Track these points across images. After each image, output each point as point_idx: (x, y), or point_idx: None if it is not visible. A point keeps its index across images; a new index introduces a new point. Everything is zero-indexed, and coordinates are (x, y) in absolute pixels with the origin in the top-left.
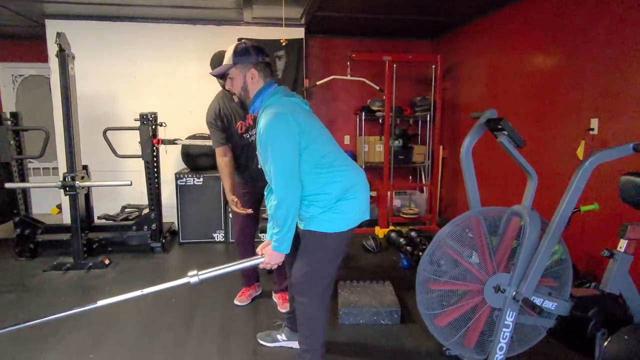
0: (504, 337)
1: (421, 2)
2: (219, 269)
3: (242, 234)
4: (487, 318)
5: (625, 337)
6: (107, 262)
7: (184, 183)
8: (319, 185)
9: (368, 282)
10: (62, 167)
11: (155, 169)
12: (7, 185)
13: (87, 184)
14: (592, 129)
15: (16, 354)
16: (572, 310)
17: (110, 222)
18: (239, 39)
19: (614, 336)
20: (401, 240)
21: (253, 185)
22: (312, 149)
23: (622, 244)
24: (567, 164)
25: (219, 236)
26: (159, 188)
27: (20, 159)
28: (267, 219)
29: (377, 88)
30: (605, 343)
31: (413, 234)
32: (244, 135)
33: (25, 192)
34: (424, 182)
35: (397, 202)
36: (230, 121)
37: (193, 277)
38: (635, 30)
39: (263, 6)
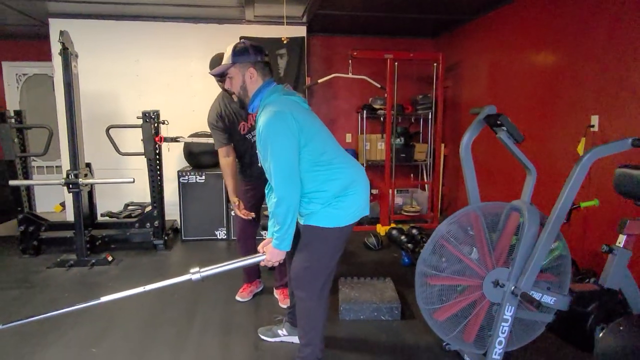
0: (503, 331)
1: (422, 0)
2: (221, 266)
3: (243, 231)
4: (486, 313)
5: (621, 327)
6: (110, 259)
7: (186, 181)
8: (318, 182)
9: (369, 278)
10: (66, 165)
11: (158, 167)
12: (11, 182)
13: (90, 181)
14: (593, 126)
15: (19, 349)
16: (571, 305)
17: (113, 219)
18: (241, 38)
19: (609, 326)
20: (402, 237)
21: (256, 182)
22: (311, 146)
23: (621, 239)
24: (567, 161)
25: (221, 234)
26: (161, 185)
27: (24, 157)
28: (268, 217)
29: (379, 86)
30: (601, 334)
31: (414, 231)
32: (247, 136)
33: (29, 189)
34: (425, 180)
35: (398, 200)
36: (233, 122)
37: (195, 274)
38: (635, 27)
39: (265, 4)
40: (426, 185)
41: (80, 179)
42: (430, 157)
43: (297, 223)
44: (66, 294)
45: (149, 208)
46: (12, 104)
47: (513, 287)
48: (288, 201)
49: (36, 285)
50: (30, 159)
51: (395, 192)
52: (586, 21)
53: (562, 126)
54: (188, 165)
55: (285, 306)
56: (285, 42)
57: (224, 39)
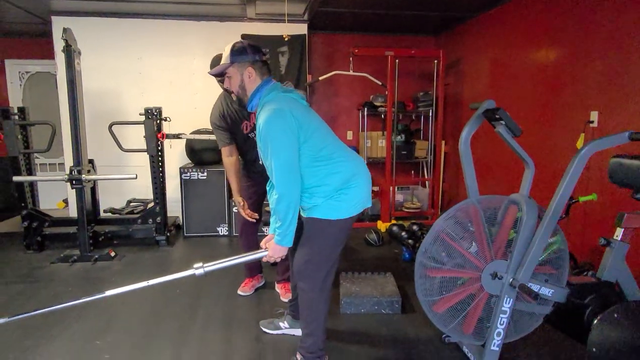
0: (502, 323)
1: None
2: (224, 262)
3: (245, 226)
4: (484, 305)
5: (615, 315)
6: (113, 254)
7: (188, 177)
8: (319, 177)
9: (370, 273)
10: (68, 163)
11: (160, 163)
12: (15, 178)
13: (93, 177)
14: (592, 122)
15: (24, 342)
16: (569, 298)
17: (116, 215)
18: (242, 35)
19: (604, 314)
20: (403, 233)
21: (258, 179)
22: (311, 142)
23: (619, 233)
24: (567, 157)
25: (222, 230)
26: (163, 182)
27: (27, 153)
28: (269, 212)
29: (380, 83)
30: (596, 321)
31: (415, 227)
32: (249, 135)
33: (32, 186)
34: (426, 177)
35: (399, 197)
36: (235, 121)
37: (198, 269)
38: (635, 24)
39: (266, 2)
40: (427, 182)
41: (83, 175)
42: (431, 154)
43: (300, 216)
44: (70, 289)
45: (151, 204)
46: (15, 102)
47: (511, 279)
48: (289, 197)
49: (40, 280)
50: (34, 156)
51: (396, 189)
52: (586, 18)
53: (562, 122)
54: (190, 162)
55: (286, 300)
56: (286, 39)
57: (226, 37)
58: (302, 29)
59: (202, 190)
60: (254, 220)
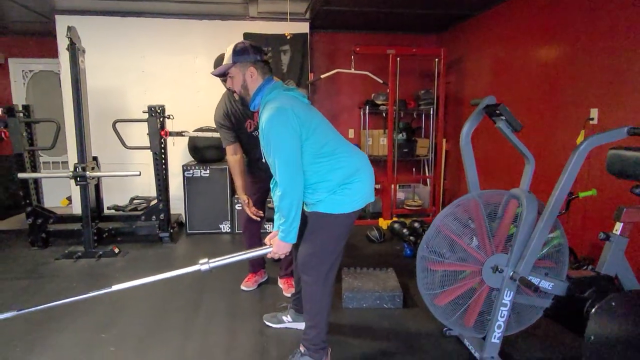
0: (502, 315)
1: None
2: (229, 258)
3: (248, 223)
4: (485, 298)
5: (613, 303)
6: (116, 251)
7: (191, 175)
8: (322, 173)
9: (371, 269)
10: (72, 160)
11: (163, 161)
12: (20, 175)
13: (97, 174)
14: (592, 119)
15: (32, 334)
16: (568, 291)
17: (120, 212)
18: (244, 34)
19: (601, 303)
20: (404, 230)
21: (262, 176)
22: (313, 139)
23: (618, 227)
24: (567, 154)
25: (225, 227)
26: (166, 179)
27: (32, 151)
28: (272, 209)
29: (381, 81)
30: (593, 310)
31: (416, 224)
32: (253, 134)
33: (37, 183)
34: (427, 175)
35: (400, 195)
36: (239, 120)
37: (204, 264)
38: (635, 21)
39: (268, 1)
40: (428, 180)
41: (87, 172)
42: (432, 152)
43: (304, 210)
44: (74, 284)
45: (154, 202)
46: (19, 100)
47: (512, 273)
48: (291, 194)
49: (45, 275)
50: (38, 154)
51: (397, 187)
52: (587, 16)
53: (562, 119)
54: (193, 159)
55: (289, 295)
56: (289, 37)
57: (228, 35)
58: (304, 27)
59: (205, 188)
60: (259, 219)
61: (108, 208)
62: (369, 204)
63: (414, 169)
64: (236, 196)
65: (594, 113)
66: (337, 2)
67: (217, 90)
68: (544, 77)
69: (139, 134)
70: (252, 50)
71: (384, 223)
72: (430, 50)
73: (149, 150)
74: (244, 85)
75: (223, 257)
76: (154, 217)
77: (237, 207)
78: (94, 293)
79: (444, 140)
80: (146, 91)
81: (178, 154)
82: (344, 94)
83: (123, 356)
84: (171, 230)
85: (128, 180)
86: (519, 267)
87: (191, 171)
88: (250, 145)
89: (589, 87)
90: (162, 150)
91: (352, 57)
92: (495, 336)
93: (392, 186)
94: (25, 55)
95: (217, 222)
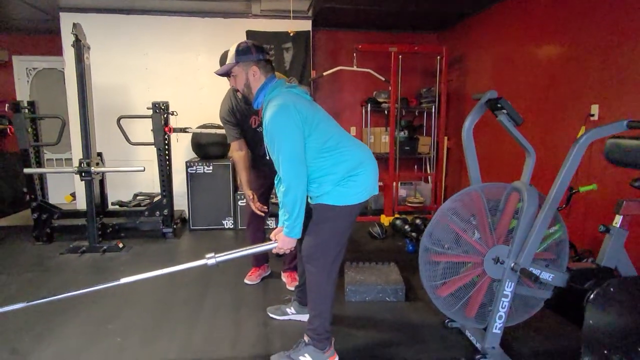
0: (503, 306)
1: None
2: (235, 253)
3: (252, 218)
4: (487, 289)
5: (611, 289)
6: (120, 245)
7: (194, 171)
8: (326, 167)
9: (374, 263)
10: (76, 156)
11: (167, 156)
12: (26, 170)
13: (102, 169)
14: (593, 115)
15: (39, 325)
16: (568, 283)
17: (124, 208)
18: (247, 32)
19: (600, 288)
20: (406, 227)
21: (267, 172)
22: (316, 135)
23: (618, 220)
24: (568, 150)
25: (228, 223)
26: (170, 175)
27: (37, 147)
28: (276, 204)
29: (383, 79)
30: (592, 295)
31: (418, 221)
32: (258, 129)
33: (42, 178)
34: (429, 172)
35: (402, 192)
36: (244, 116)
37: (210, 259)
38: (636, 18)
39: None
40: (429, 178)
41: (92, 168)
42: (433, 150)
43: (308, 203)
44: (80, 278)
45: (157, 198)
46: (22, 98)
47: (513, 264)
48: (295, 190)
49: (50, 269)
50: (42, 151)
51: (399, 184)
52: (588, 13)
53: (563, 116)
54: (196, 156)
55: (292, 288)
56: (292, 34)
57: (230, 33)
58: (306, 25)
59: (208, 184)
60: (263, 214)
61: (112, 204)
62: (371, 202)
63: (415, 167)
64: (239, 192)
65: (595, 109)
66: (339, 0)
67: (219, 87)
68: (545, 74)
69: (142, 131)
70: (255, 49)
71: (385, 220)
72: (431, 48)
73: (153, 146)
74: (247, 84)
75: (229, 252)
76: (157, 212)
77: (240, 203)
78: (103, 286)
79: (446, 138)
80: (149, 88)
81: (181, 150)
82: (346, 91)
83: (130, 346)
84: (174, 226)
85: (132, 176)
86: (519, 259)
87: (194, 167)
88: (255, 141)
89: (590, 83)
90: (166, 146)
91: (354, 54)
92: (497, 326)
93: (394, 184)
94: (29, 53)
95: (220, 218)
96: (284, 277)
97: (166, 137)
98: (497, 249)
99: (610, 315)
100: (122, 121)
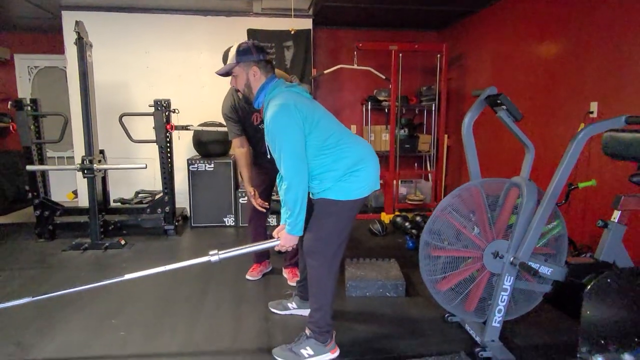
0: (502, 300)
1: None
2: (238, 250)
3: (254, 215)
4: (486, 283)
5: (608, 280)
6: (122, 242)
7: (195, 169)
8: (327, 164)
9: (374, 259)
10: (78, 154)
11: (169, 154)
12: (29, 167)
13: (104, 166)
14: (592, 112)
15: (43, 320)
16: (567, 277)
17: (126, 205)
18: (248, 30)
19: (597, 279)
20: (407, 224)
21: (268, 168)
22: (316, 133)
23: (616, 215)
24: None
25: (229, 220)
26: (172, 172)
27: (39, 144)
28: (278, 201)
29: (383, 77)
30: (590, 286)
31: (418, 218)
32: (259, 126)
33: (44, 176)
34: (429, 170)
35: (402, 190)
36: (246, 113)
37: (214, 256)
38: (634, 16)
39: None
40: (430, 176)
41: (94, 165)
42: (433, 147)
43: (310, 198)
44: (82, 273)
45: (159, 195)
46: (24, 96)
47: (512, 258)
48: (296, 188)
49: (53, 266)
50: (45, 149)
51: (400, 182)
52: (587, 11)
53: (562, 113)
54: (197, 154)
55: (293, 284)
56: (293, 33)
57: (232, 32)
58: (307, 23)
59: (209, 182)
60: (264, 210)
61: (114, 201)
62: (372, 200)
63: (415, 165)
64: (240, 189)
65: (594, 106)
66: None
67: (221, 85)
68: (545, 72)
69: (144, 129)
70: (255, 50)
71: (386, 218)
72: (432, 46)
73: (155, 144)
74: (248, 84)
75: (232, 249)
76: (159, 209)
77: (242, 200)
78: (107, 281)
79: (446, 136)
80: (151, 87)
81: (183, 148)
82: (346, 90)
83: (132, 340)
84: (176, 223)
85: (133, 174)
86: (519, 253)
87: (196, 165)
88: (256, 138)
89: (589, 81)
90: (168, 144)
91: (355, 53)
92: (496, 320)
93: (394, 181)
94: (31, 51)
95: (221, 215)
96: (285, 273)
97: (168, 134)
98: (496, 244)
99: (607, 306)
100: (124, 119)
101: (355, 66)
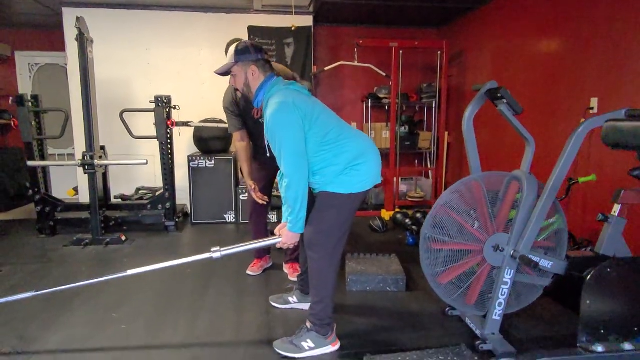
0: (503, 293)
1: None
2: (240, 247)
3: (255, 210)
4: (487, 276)
5: (608, 269)
6: (123, 238)
7: (196, 165)
8: (328, 160)
9: (375, 255)
10: (79, 151)
11: (169, 150)
12: (30, 163)
13: (105, 162)
14: (592, 108)
15: (45, 314)
16: (567, 271)
17: (126, 201)
18: (249, 27)
19: (596, 269)
20: (407, 220)
21: (268, 163)
22: (316, 129)
23: (616, 209)
24: None
25: (230, 217)
26: (172, 168)
27: (40, 140)
28: (279, 197)
29: (384, 74)
30: (590, 276)
31: (419, 215)
32: (259, 120)
33: (45, 172)
34: (429, 167)
35: (403, 187)
36: (247, 107)
37: (216, 252)
38: (634, 12)
39: None
40: (430, 173)
41: (95, 160)
42: (434, 145)
43: (311, 191)
44: (84, 268)
45: (160, 192)
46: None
47: (512, 251)
48: (297, 185)
49: (54, 261)
50: (46, 145)
51: (400, 179)
52: (587, 7)
53: (563, 110)
54: (198, 151)
55: (294, 279)
56: (293, 29)
57: (232, 29)
58: (307, 20)
59: (210, 178)
60: (264, 203)
61: (115, 197)
62: (372, 197)
63: (416, 162)
64: (241, 186)
65: (594, 102)
66: None
67: (221, 83)
68: (545, 69)
69: (145, 125)
70: (253, 49)
71: (386, 215)
72: (432, 43)
73: (156, 140)
74: (246, 83)
75: (234, 246)
76: (160, 206)
77: (242, 197)
78: (110, 276)
79: (446, 133)
80: (151, 83)
81: (183, 145)
82: (346, 87)
83: (135, 333)
84: (177, 220)
85: (134, 170)
86: (519, 246)
87: (196, 162)
88: (257, 133)
89: (589, 77)
90: (169, 140)
91: (355, 50)
92: (496, 313)
93: (395, 179)
94: (32, 49)
95: (221, 212)
96: (286, 268)
97: (169, 130)
98: (497, 237)
99: (607, 295)
100: (124, 116)
101: (355, 63)
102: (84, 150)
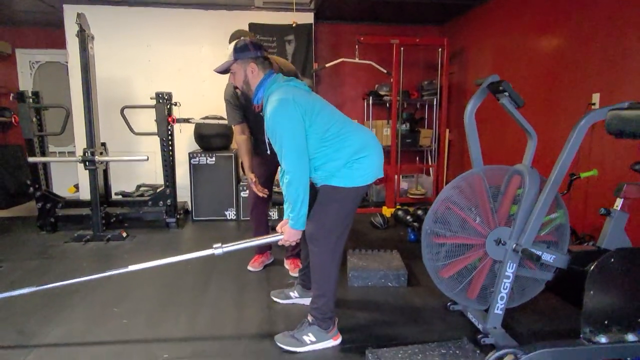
0: (505, 287)
1: None
2: (242, 243)
3: (256, 206)
4: (488, 270)
5: (612, 259)
6: (124, 234)
7: (197, 162)
8: (329, 154)
9: (376, 251)
10: (80, 147)
11: (170, 146)
12: (30, 159)
13: (106, 158)
14: (594, 104)
15: (45, 309)
16: (569, 265)
17: (127, 198)
18: (250, 24)
19: (600, 259)
20: (408, 217)
21: (269, 158)
22: (316, 125)
23: (618, 203)
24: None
25: (230, 214)
26: (173, 164)
27: (41, 136)
28: (280, 193)
29: (385, 71)
30: (593, 266)
31: (420, 212)
32: (260, 114)
33: (46, 169)
34: (430, 164)
35: (404, 185)
36: (248, 99)
37: (218, 249)
38: (635, 8)
39: None
40: (431, 170)
41: (96, 157)
42: (435, 142)
43: (313, 185)
44: (85, 264)
45: (160, 189)
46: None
47: (514, 245)
48: (298, 182)
49: (55, 257)
50: (47, 142)
51: (401, 177)
52: (588, 3)
53: (564, 106)
54: (198, 147)
55: (295, 275)
56: (294, 25)
57: (233, 26)
58: (308, 18)
59: (211, 175)
60: (265, 196)
61: (116, 194)
62: (373, 194)
63: (417, 159)
64: (242, 183)
65: (596, 98)
66: None
67: (222, 80)
68: (546, 65)
69: (145, 123)
70: (253, 47)
71: (387, 212)
72: (433, 41)
73: (156, 136)
74: (246, 80)
75: (236, 243)
76: (161, 202)
77: (243, 194)
78: (112, 272)
79: (447, 130)
80: (152, 80)
81: (184, 142)
82: (347, 85)
83: (135, 327)
84: (177, 216)
85: (135, 167)
86: (521, 240)
87: (197, 159)
88: (258, 126)
89: (591, 73)
90: (169, 137)
91: (356, 47)
92: (498, 307)
93: (396, 176)
94: (32, 46)
95: (222, 209)
96: (287, 264)
97: (169, 127)
98: (498, 231)
99: (611, 286)
100: (125, 112)
101: (356, 60)
102: (85, 147)
